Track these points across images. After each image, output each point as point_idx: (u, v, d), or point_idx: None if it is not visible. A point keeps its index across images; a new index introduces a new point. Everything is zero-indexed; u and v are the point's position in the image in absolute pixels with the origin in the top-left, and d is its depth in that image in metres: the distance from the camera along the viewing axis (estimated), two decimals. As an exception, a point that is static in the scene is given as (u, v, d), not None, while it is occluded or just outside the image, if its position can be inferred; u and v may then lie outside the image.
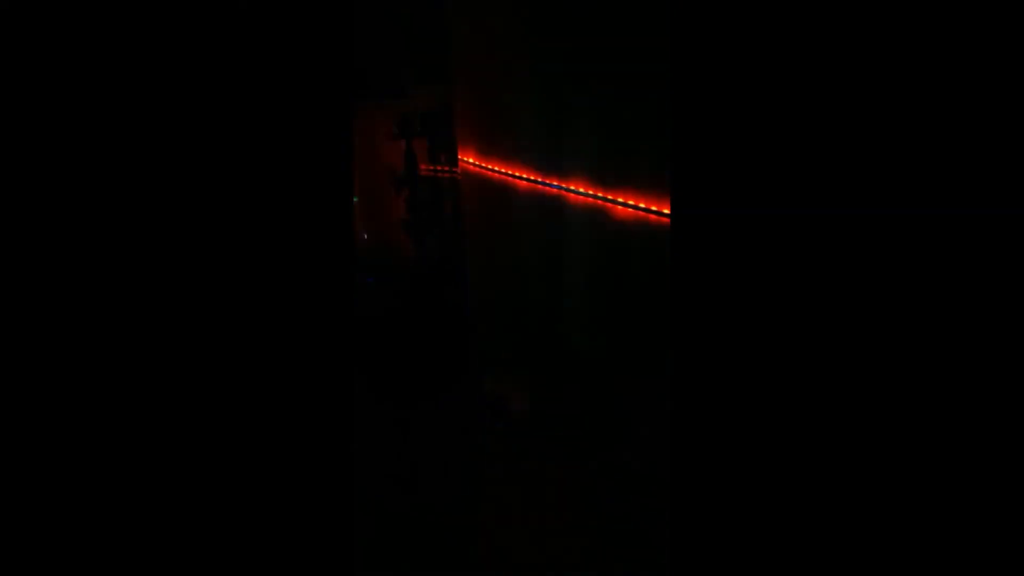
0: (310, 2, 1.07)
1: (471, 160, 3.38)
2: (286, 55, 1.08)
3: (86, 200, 1.01)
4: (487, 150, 3.19)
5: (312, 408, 1.12)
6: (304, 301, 1.11)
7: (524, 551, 2.49)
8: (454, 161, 3.89)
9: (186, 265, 1.05)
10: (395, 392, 3.63)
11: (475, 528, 2.64)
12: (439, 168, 4.53)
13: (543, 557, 2.45)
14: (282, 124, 1.09)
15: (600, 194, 2.37)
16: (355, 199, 5.08)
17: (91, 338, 1.01)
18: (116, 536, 1.02)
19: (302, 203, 1.10)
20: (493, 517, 2.68)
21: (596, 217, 2.41)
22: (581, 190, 2.47)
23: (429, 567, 2.46)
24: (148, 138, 1.02)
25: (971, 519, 0.91)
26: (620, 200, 2.27)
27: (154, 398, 1.04)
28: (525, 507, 2.71)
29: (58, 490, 1.00)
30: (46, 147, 0.99)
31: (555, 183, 2.64)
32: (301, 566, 1.11)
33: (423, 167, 4.71)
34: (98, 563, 1.01)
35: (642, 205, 2.17)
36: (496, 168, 3.10)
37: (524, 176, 2.87)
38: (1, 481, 0.98)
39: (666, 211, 2.07)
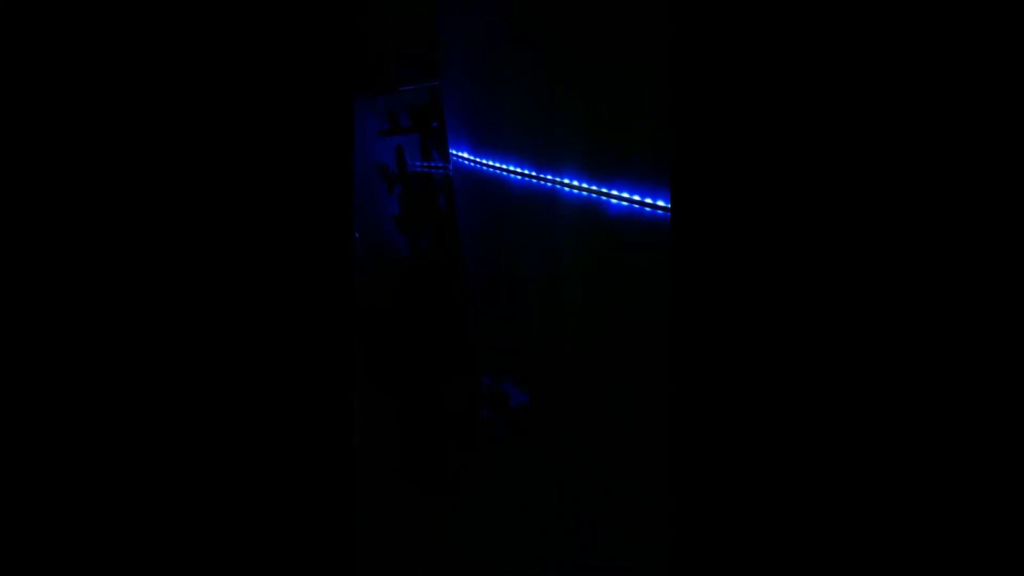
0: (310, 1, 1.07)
1: (465, 155, 3.37)
2: (287, 54, 1.08)
3: (85, 198, 1.01)
4: (481, 145, 3.19)
5: (311, 406, 1.12)
6: (304, 299, 1.11)
7: (524, 550, 2.49)
8: (446, 156, 3.88)
9: (186, 262, 1.04)
10: (395, 389, 3.63)
11: (474, 526, 2.64)
12: (431, 164, 4.52)
13: (543, 556, 2.46)
14: (283, 122, 1.09)
15: (594, 187, 2.37)
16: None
17: (92, 336, 1.01)
18: (114, 535, 1.02)
19: (302, 200, 1.10)
20: (492, 515, 2.69)
21: (591, 210, 2.41)
22: (575, 183, 2.47)
23: (428, 566, 2.46)
24: (149, 137, 1.02)
25: (974, 520, 0.90)
26: (614, 193, 2.27)
27: (154, 395, 1.03)
28: (524, 505, 2.71)
29: (57, 489, 1.00)
30: (42, 142, 0.99)
31: (549, 176, 2.64)
32: (301, 565, 1.10)
33: (415, 163, 4.70)
34: (97, 562, 1.01)
35: (636, 197, 2.17)
36: (490, 163, 3.10)
37: (518, 170, 2.86)
38: (1, 481, 0.98)
39: (660, 203, 2.07)
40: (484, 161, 3.16)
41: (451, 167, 3.74)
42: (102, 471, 1.01)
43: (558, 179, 2.57)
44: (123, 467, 1.02)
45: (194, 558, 1.05)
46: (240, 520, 1.07)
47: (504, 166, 2.97)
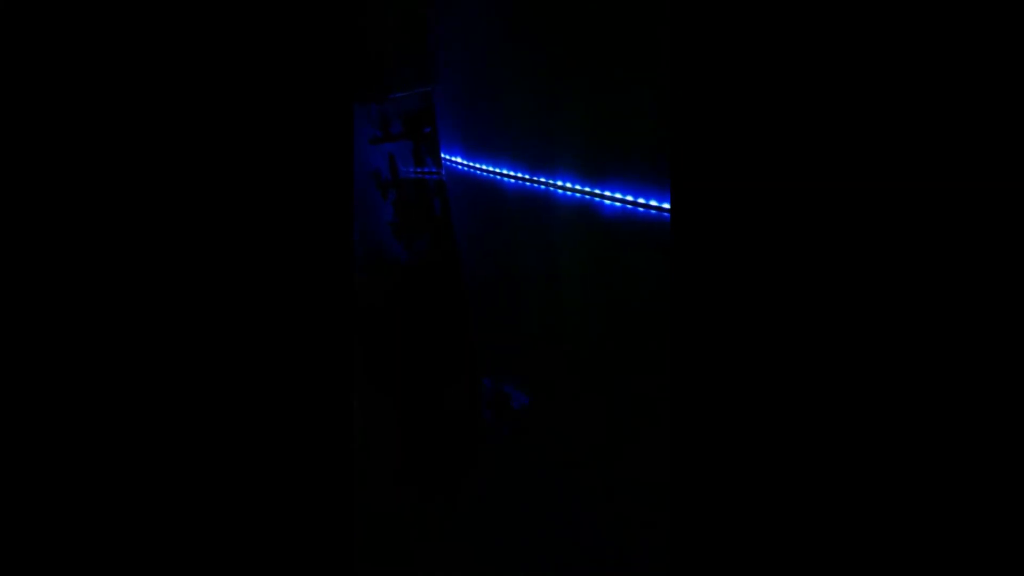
0: (311, 4, 1.08)
1: (459, 160, 3.37)
2: (288, 56, 1.08)
3: (86, 202, 1.01)
4: (474, 149, 3.19)
5: (311, 407, 1.12)
6: (305, 301, 1.11)
7: (524, 550, 2.49)
8: (439, 162, 3.88)
9: (187, 265, 1.05)
10: (395, 390, 3.61)
11: (474, 526, 2.63)
12: (425, 170, 4.52)
13: (544, 556, 2.45)
14: (284, 125, 1.09)
15: (588, 189, 2.37)
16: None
17: (93, 338, 1.01)
18: (115, 535, 1.02)
19: (303, 202, 1.11)
20: (492, 515, 2.68)
21: (586, 211, 2.42)
22: (569, 185, 2.48)
23: (428, 566, 2.45)
24: (154, 140, 1.03)
25: (974, 520, 0.90)
26: (607, 194, 2.28)
27: (155, 396, 1.03)
28: (524, 506, 2.71)
29: (56, 489, 1.00)
30: (43, 145, 0.99)
31: (543, 179, 2.64)
32: (301, 566, 1.10)
33: (408, 170, 4.69)
34: (96, 563, 1.01)
35: (629, 198, 2.18)
36: (484, 167, 3.10)
37: (512, 174, 2.87)
38: (1, 481, 0.98)
39: (654, 203, 2.08)
40: (478, 165, 3.16)
41: (444, 172, 3.74)
42: (102, 472, 1.01)
43: (552, 181, 2.57)
44: (123, 468, 1.02)
45: (195, 558, 1.05)
46: (240, 520, 1.07)
47: (498, 170, 2.98)
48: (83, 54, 0.99)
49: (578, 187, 2.43)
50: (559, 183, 2.54)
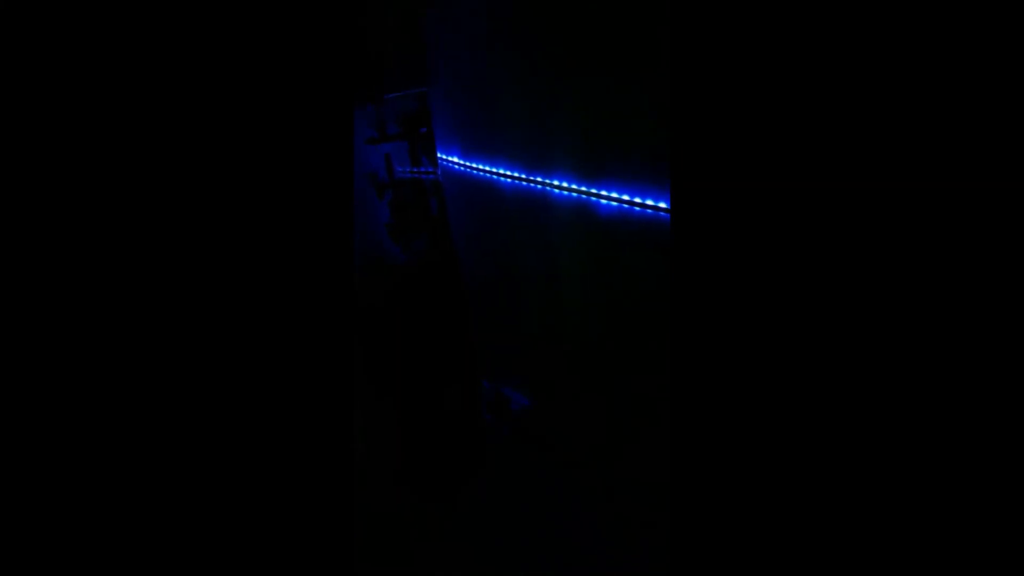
0: (312, 6, 1.08)
1: (455, 160, 3.37)
2: (288, 58, 1.08)
3: (89, 203, 1.01)
4: (471, 149, 3.19)
5: (312, 407, 1.12)
6: (305, 301, 1.11)
7: (524, 550, 2.49)
8: (435, 162, 3.89)
9: (189, 266, 1.05)
10: (396, 392, 3.61)
11: (474, 526, 2.63)
12: (421, 170, 4.53)
13: (544, 557, 2.45)
14: (285, 126, 1.10)
15: (585, 188, 2.37)
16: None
17: (94, 338, 1.01)
18: (116, 536, 1.02)
19: (304, 203, 1.11)
20: (492, 515, 2.68)
21: (583, 210, 2.42)
22: (565, 184, 2.48)
23: (428, 566, 2.45)
24: (156, 142, 1.03)
25: (974, 520, 0.90)
26: (603, 193, 2.28)
27: (156, 396, 1.04)
28: (524, 506, 2.71)
29: (58, 489, 1.00)
30: (45, 144, 0.99)
31: (539, 179, 2.64)
32: (301, 566, 1.11)
33: (405, 170, 4.70)
34: (97, 562, 1.01)
35: (626, 198, 2.18)
36: (481, 167, 3.10)
37: (509, 173, 2.87)
38: (2, 481, 0.98)
39: (650, 202, 2.08)
40: (475, 165, 3.16)
41: (440, 172, 3.75)
42: (103, 473, 1.02)
43: (549, 181, 2.57)
44: (124, 469, 1.03)
45: (196, 558, 1.05)
46: (242, 520, 1.08)
47: (495, 169, 2.98)
48: (85, 55, 0.99)
49: (575, 187, 2.43)
50: (556, 183, 2.54)
